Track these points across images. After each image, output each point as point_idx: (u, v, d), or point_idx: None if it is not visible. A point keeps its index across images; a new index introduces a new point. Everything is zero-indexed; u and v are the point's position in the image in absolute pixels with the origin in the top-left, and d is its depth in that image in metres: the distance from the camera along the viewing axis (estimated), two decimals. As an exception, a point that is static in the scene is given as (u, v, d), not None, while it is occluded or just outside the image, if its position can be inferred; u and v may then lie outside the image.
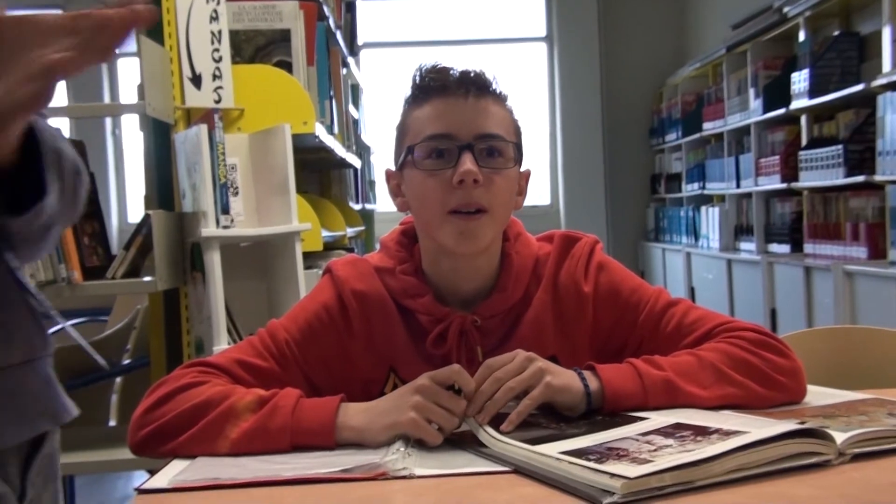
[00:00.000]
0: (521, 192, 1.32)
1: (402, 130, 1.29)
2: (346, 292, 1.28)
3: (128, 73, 7.02)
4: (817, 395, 1.24)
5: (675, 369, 1.17)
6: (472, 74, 1.25)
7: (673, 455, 0.92)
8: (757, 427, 0.98)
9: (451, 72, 1.25)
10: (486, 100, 1.25)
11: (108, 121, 6.85)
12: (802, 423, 1.01)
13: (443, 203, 1.22)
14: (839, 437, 0.97)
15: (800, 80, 4.49)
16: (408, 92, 1.29)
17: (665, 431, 1.02)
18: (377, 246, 1.37)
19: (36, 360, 1.04)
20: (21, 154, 0.91)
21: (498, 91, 1.27)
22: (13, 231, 0.96)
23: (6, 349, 0.98)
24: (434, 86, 1.25)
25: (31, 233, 0.98)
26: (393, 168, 1.33)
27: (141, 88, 2.46)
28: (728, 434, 0.97)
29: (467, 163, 1.21)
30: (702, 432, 1.00)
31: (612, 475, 0.87)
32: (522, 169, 1.30)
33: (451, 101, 1.24)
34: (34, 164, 0.92)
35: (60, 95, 6.51)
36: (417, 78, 1.27)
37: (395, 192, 1.33)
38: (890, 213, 3.67)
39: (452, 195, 1.22)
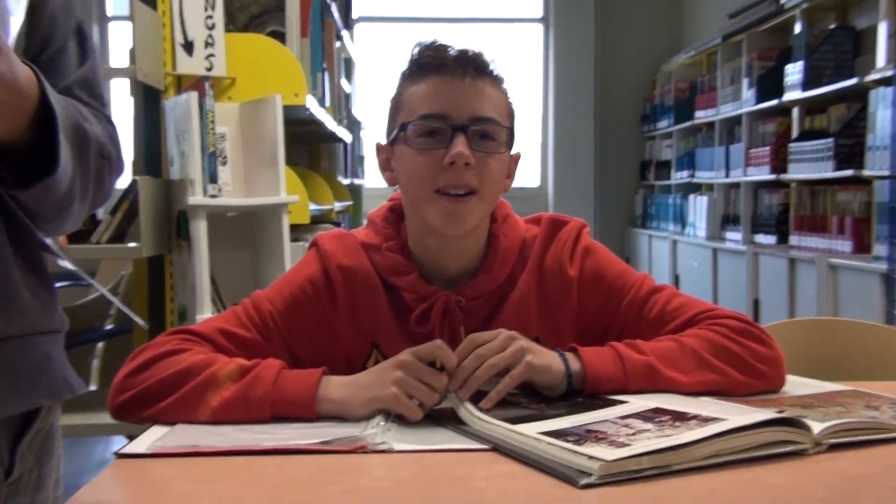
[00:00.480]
0: (510, 175, 1.31)
1: (396, 106, 1.28)
2: (331, 266, 1.28)
3: (119, 36, 6.96)
4: (796, 384, 1.25)
5: (657, 354, 1.18)
6: (470, 54, 1.24)
7: (651, 439, 0.92)
8: (735, 414, 0.99)
9: (450, 50, 1.24)
10: (482, 81, 1.24)
11: (98, 84, 6.77)
12: (781, 412, 1.01)
13: (432, 182, 1.22)
14: (816, 427, 0.97)
15: (794, 71, 4.50)
16: (404, 67, 1.28)
17: (644, 416, 1.03)
18: (364, 221, 1.37)
19: (37, 335, 1.04)
20: (38, 131, 0.91)
21: (495, 73, 1.26)
22: (26, 205, 0.96)
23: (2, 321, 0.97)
24: (432, 63, 1.24)
25: (43, 209, 0.97)
26: (384, 142, 1.32)
27: (132, 53, 2.44)
28: (706, 420, 0.98)
29: (459, 145, 1.20)
30: (680, 418, 1.00)
31: (591, 457, 0.87)
32: (512, 151, 1.30)
33: (448, 81, 1.23)
34: (49, 141, 0.92)
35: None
36: (415, 54, 1.26)
37: (385, 167, 1.32)
38: (876, 207, 3.69)
39: (442, 175, 1.21)
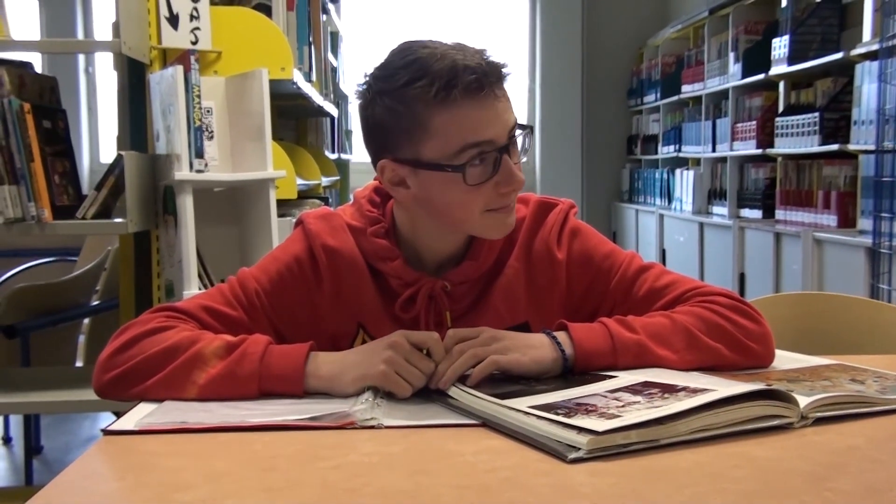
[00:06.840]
0: None
1: (419, 129, 1.16)
2: (317, 246, 1.27)
3: (103, 9, 6.88)
4: (783, 359, 1.25)
5: (648, 331, 1.18)
6: (487, 67, 1.15)
7: (641, 411, 0.93)
8: (724, 387, 0.99)
9: (469, 73, 1.14)
10: (502, 88, 1.19)
11: (82, 57, 6.71)
12: (769, 385, 1.02)
13: (485, 206, 1.20)
14: (803, 401, 0.98)
15: (780, 45, 4.49)
16: (414, 82, 1.15)
17: (633, 389, 1.04)
18: (351, 197, 1.36)
19: None
20: None
21: (505, 72, 1.19)
22: None
23: None
24: (457, 89, 1.14)
25: None
26: (389, 159, 1.21)
27: (116, 26, 2.42)
28: (695, 392, 0.98)
29: (515, 170, 1.18)
30: (669, 390, 1.01)
31: (580, 430, 0.88)
32: None
33: (481, 104, 1.15)
34: None
35: (32, 29, 6.35)
36: (431, 74, 1.14)
37: (397, 182, 1.22)
38: (861, 182, 3.70)
39: (495, 198, 1.19)
